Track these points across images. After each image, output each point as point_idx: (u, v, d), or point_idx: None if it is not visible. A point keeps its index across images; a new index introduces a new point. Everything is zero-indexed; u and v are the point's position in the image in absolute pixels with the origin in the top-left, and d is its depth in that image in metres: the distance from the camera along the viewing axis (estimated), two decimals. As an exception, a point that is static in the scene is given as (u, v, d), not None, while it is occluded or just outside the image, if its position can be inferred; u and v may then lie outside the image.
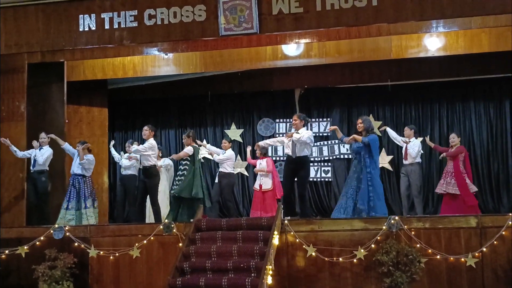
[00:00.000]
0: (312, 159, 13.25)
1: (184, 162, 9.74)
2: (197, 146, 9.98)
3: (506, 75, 11.90)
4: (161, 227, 8.40)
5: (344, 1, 8.87)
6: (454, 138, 10.59)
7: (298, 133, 9.22)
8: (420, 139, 12.79)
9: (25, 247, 8.66)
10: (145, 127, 10.02)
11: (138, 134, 14.23)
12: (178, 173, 9.86)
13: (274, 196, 11.17)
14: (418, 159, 10.62)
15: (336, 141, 13.18)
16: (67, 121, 11.05)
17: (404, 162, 10.67)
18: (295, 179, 9.33)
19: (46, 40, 9.80)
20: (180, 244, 8.17)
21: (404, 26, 9.36)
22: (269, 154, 12.56)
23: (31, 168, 9.89)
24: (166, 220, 8.56)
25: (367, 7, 8.83)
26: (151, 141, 9.85)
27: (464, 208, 9.90)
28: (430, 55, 11.05)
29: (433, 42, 10.81)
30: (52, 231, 8.66)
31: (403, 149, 10.74)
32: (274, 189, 11.17)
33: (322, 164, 13.22)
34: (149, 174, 9.81)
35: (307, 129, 9.55)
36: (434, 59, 11.65)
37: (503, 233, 7.59)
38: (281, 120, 13.56)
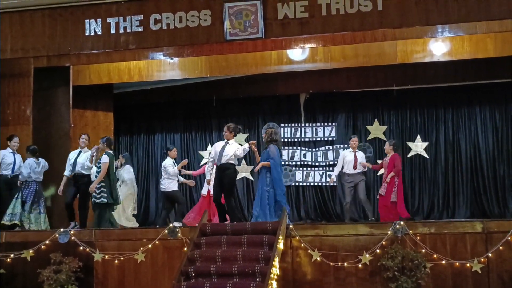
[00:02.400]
0: (317, 163, 13.26)
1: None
2: (111, 153, 9.71)
3: (511, 80, 11.88)
4: (166, 231, 8.41)
5: (350, 6, 8.90)
6: (386, 146, 10.63)
7: (229, 143, 9.16)
8: (425, 143, 12.85)
9: (30, 251, 8.68)
10: (84, 136, 10.07)
11: (143, 138, 14.28)
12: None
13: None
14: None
15: (341, 146, 13.18)
16: (72, 125, 11.09)
17: (353, 171, 10.66)
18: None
19: (52, 45, 9.87)
20: (185, 249, 8.17)
21: (410, 31, 9.37)
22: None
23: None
24: (171, 225, 8.56)
25: (372, 12, 8.86)
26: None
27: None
28: (436, 60, 11.07)
29: (439, 47, 10.83)
30: (57, 235, 8.67)
31: (353, 158, 10.75)
32: None
33: (327, 168, 13.19)
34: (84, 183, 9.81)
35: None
36: (440, 64, 11.64)
37: (509, 238, 7.57)
38: (286, 125, 13.55)
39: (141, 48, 9.82)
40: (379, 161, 11.89)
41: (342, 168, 10.89)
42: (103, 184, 9.38)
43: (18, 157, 9.79)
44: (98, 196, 9.35)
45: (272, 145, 9.03)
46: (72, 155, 9.90)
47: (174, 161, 10.56)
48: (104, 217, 9.43)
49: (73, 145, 10.69)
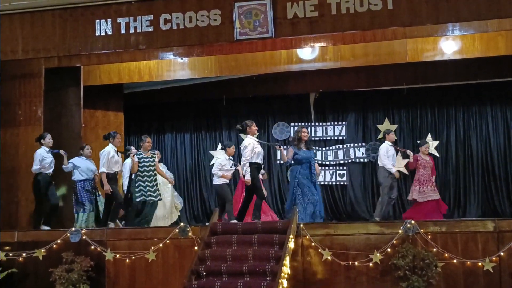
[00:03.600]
0: (327, 162, 13.25)
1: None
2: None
3: (523, 78, 11.83)
4: (177, 230, 8.43)
5: (360, 5, 8.86)
6: (427, 147, 10.56)
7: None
8: (436, 142, 12.78)
9: (42, 250, 8.73)
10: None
11: (153, 138, 14.25)
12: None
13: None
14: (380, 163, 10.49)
15: (351, 145, 13.16)
16: (83, 125, 11.14)
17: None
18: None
19: (62, 45, 9.88)
20: (196, 248, 8.19)
21: (420, 30, 9.33)
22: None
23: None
24: (182, 224, 8.59)
25: (382, 10, 8.81)
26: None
27: (434, 214, 10.00)
28: (446, 59, 11.02)
29: (449, 45, 10.78)
30: (69, 234, 8.72)
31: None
32: None
33: (338, 167, 13.18)
34: None
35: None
36: (450, 63, 11.59)
37: (521, 237, 7.54)
38: (296, 124, 13.54)
39: (151, 48, 9.83)
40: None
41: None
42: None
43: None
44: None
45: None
46: (110, 151, 9.61)
47: (231, 158, 10.61)
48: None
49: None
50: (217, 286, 7.30)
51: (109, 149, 9.60)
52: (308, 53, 11.31)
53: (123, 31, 9.63)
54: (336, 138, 13.38)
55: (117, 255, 8.57)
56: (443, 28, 9.34)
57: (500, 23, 9.00)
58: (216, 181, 10.32)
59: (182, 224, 8.60)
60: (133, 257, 8.52)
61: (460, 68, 12.02)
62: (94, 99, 12.20)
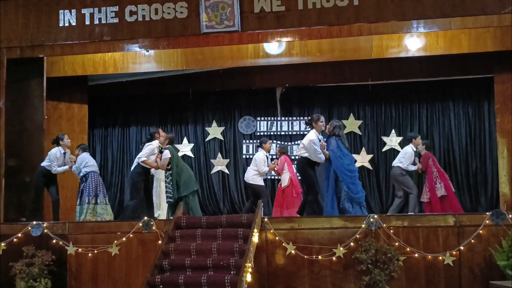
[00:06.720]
0: (292, 157, 13.28)
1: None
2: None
3: (485, 76, 12.06)
4: (140, 224, 8.37)
5: (326, 0, 8.91)
6: (419, 147, 10.80)
7: None
8: (400, 138, 12.93)
9: (2, 244, 8.58)
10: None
11: (118, 131, 14.15)
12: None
13: (292, 192, 11.18)
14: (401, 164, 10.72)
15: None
16: (46, 117, 10.92)
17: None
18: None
19: (25, 35, 9.71)
20: (160, 242, 8.15)
21: (385, 26, 9.41)
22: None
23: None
24: (145, 217, 8.52)
25: (348, 6, 8.89)
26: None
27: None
28: (411, 55, 11.15)
29: (414, 42, 10.90)
30: (30, 228, 8.58)
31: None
32: (291, 186, 11.17)
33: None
34: None
35: None
36: (415, 59, 11.75)
37: (480, 232, 7.69)
38: (262, 118, 13.56)
39: (116, 39, 9.69)
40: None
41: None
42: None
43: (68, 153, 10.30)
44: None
45: (332, 138, 9.38)
46: (154, 148, 9.94)
47: (268, 154, 10.54)
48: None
49: (47, 138, 10.55)
50: (180, 280, 7.28)
51: (155, 146, 9.91)
52: (274, 48, 11.33)
53: (87, 22, 9.51)
54: (301, 133, 13.41)
55: (79, 249, 8.48)
56: (407, 25, 9.43)
57: (463, 21, 9.13)
58: (256, 180, 10.41)
59: (145, 218, 8.53)
60: (95, 251, 8.44)
61: (424, 65, 12.19)
62: (57, 91, 11.99)
